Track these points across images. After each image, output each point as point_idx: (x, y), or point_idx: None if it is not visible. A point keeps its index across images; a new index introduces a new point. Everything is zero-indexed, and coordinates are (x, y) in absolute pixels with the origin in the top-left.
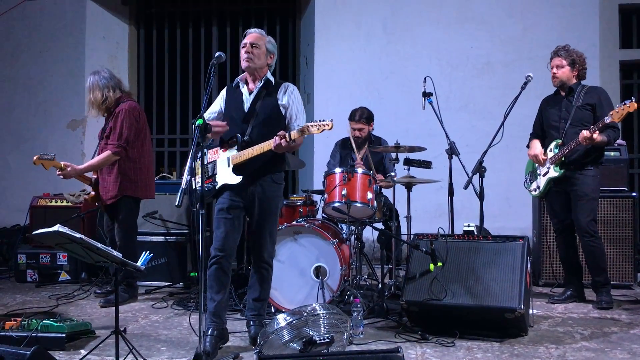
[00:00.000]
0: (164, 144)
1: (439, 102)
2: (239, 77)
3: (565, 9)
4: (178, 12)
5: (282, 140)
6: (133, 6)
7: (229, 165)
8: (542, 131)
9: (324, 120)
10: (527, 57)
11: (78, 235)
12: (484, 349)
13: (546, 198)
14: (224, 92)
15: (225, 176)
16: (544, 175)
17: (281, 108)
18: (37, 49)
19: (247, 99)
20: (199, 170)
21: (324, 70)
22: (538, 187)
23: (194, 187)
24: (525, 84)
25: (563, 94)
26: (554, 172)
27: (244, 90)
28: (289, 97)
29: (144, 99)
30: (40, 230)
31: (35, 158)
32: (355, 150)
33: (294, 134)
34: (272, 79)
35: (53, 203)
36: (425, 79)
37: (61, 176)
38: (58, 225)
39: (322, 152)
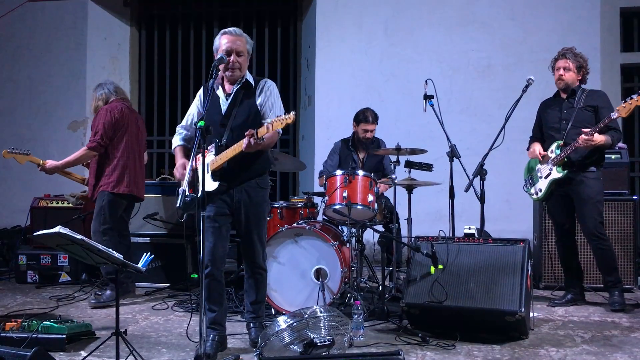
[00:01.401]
0: (164, 145)
1: (440, 105)
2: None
3: (566, 12)
4: (179, 13)
5: (250, 139)
6: (134, 7)
7: (207, 172)
8: (541, 134)
9: (286, 114)
10: (528, 60)
11: (79, 236)
12: (484, 351)
13: (547, 201)
14: (200, 93)
15: (205, 183)
16: (545, 177)
17: (259, 107)
18: (39, 50)
19: (224, 102)
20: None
21: (325, 72)
22: (540, 190)
23: (181, 195)
24: (527, 86)
25: (564, 96)
26: (556, 174)
27: (220, 93)
28: (264, 94)
29: (145, 101)
30: (41, 232)
31: (3, 152)
32: (357, 152)
33: (260, 131)
34: (251, 79)
35: (54, 204)
36: (426, 81)
37: (43, 172)
38: (59, 226)
39: (323, 154)
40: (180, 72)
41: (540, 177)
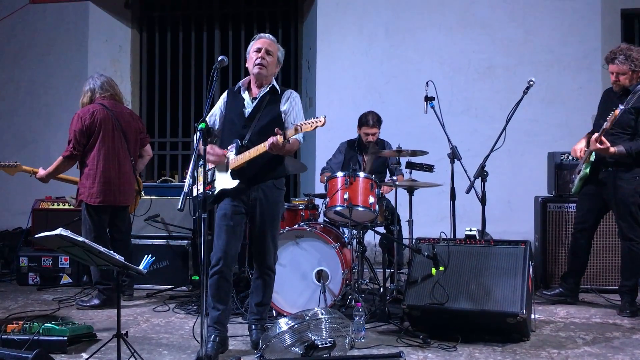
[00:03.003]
0: (165, 147)
1: (441, 106)
2: (241, 81)
3: (567, 13)
4: (180, 15)
5: (275, 138)
6: (135, 9)
7: (227, 170)
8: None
9: (317, 117)
10: (529, 62)
11: (80, 238)
12: (485, 353)
13: (579, 194)
14: (225, 95)
15: (224, 181)
16: (578, 173)
17: (282, 115)
18: (40, 52)
19: (249, 105)
20: (200, 178)
21: (326, 73)
22: (574, 184)
23: (194, 194)
24: (528, 88)
25: (620, 92)
26: (584, 173)
27: (246, 95)
28: (290, 103)
29: (146, 102)
30: (42, 234)
31: None
32: (362, 154)
33: (288, 132)
34: (277, 86)
35: (55, 206)
36: (427, 83)
37: (40, 181)
38: (60, 228)
39: (324, 156)
40: (181, 74)
41: (576, 173)
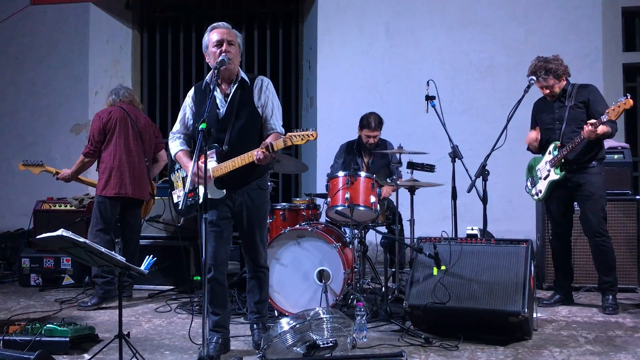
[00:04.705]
0: (167, 148)
1: (442, 106)
2: (207, 77)
3: (568, 12)
4: (181, 16)
5: (263, 155)
6: (136, 10)
7: (210, 178)
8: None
9: (307, 130)
10: (530, 60)
11: (82, 239)
12: (487, 352)
13: (546, 202)
14: (192, 93)
15: (208, 189)
16: (544, 178)
17: (258, 109)
18: (41, 53)
19: (222, 103)
20: (178, 183)
21: (327, 74)
22: (540, 191)
23: (175, 200)
24: (528, 87)
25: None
26: (554, 175)
27: (217, 93)
28: (264, 94)
29: (147, 103)
30: (44, 235)
31: (19, 165)
32: (362, 155)
33: (276, 144)
34: (245, 77)
35: (57, 207)
36: (428, 82)
37: (62, 181)
38: (62, 229)
39: (325, 156)
40: (182, 74)
41: (540, 178)
